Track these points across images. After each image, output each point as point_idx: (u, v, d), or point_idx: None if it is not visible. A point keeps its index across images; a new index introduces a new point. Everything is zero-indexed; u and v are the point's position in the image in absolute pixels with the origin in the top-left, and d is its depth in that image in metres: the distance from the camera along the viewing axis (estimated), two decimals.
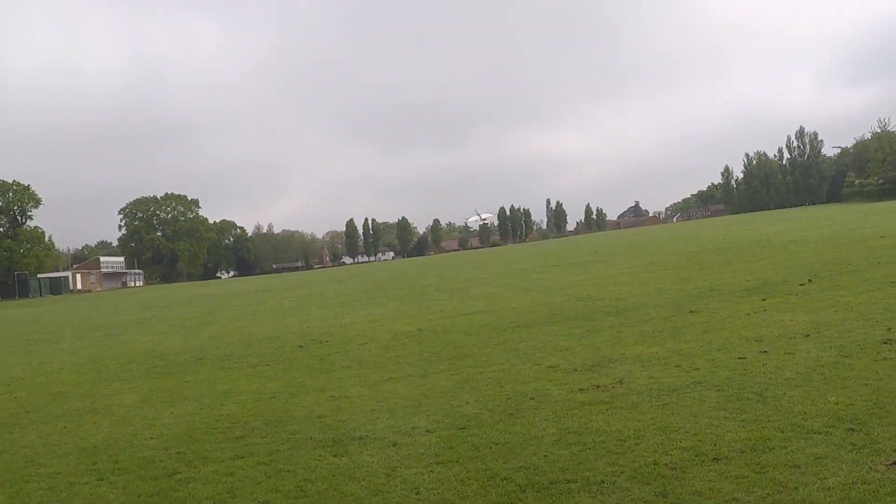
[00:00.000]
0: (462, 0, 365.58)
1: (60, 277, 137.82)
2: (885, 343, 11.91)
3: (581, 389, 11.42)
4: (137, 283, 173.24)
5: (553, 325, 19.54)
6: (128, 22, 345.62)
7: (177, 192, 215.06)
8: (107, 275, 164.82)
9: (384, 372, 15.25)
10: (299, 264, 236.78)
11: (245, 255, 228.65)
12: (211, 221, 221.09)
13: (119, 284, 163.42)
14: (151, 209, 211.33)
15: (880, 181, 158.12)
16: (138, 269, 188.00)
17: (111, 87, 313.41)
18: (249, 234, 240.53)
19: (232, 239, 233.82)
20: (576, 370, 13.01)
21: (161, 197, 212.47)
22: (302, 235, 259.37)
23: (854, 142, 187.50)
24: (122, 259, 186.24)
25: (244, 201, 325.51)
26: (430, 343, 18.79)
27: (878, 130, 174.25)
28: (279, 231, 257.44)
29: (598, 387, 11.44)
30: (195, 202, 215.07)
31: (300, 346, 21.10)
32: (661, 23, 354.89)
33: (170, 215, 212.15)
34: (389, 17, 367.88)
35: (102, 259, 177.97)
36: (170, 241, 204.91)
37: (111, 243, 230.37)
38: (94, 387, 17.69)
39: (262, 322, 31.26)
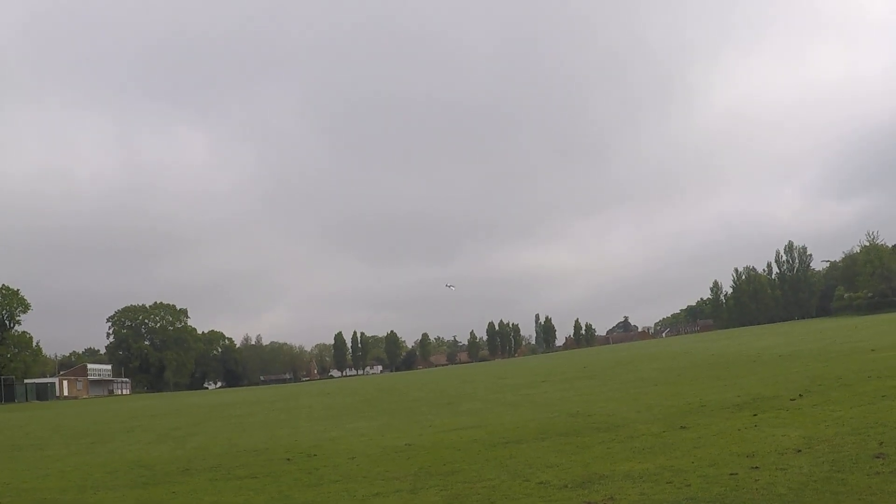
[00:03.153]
0: (451, 117, 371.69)
1: (47, 383, 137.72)
2: (878, 457, 11.97)
3: None
4: (124, 392, 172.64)
5: (543, 441, 19.45)
6: (118, 130, 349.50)
7: (165, 302, 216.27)
8: (94, 382, 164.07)
9: (373, 487, 15.13)
10: (287, 376, 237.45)
11: (233, 366, 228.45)
12: (199, 332, 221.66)
13: (106, 392, 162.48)
14: (140, 318, 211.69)
15: (870, 294, 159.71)
16: (125, 377, 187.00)
17: (102, 192, 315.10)
18: (237, 346, 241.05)
19: (220, 350, 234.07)
20: (566, 486, 12.95)
21: (150, 306, 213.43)
22: (290, 347, 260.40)
23: (843, 255, 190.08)
24: (109, 367, 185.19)
25: (232, 312, 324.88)
26: (419, 458, 18.64)
27: (867, 244, 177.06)
28: (267, 343, 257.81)
29: (588, 503, 11.40)
30: (184, 312, 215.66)
31: (288, 459, 20.95)
32: (652, 141, 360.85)
33: (158, 324, 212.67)
34: (377, 132, 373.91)
35: (90, 366, 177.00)
36: (158, 350, 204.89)
37: (99, 350, 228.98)
38: (80, 494, 17.51)
39: (249, 434, 31.13)
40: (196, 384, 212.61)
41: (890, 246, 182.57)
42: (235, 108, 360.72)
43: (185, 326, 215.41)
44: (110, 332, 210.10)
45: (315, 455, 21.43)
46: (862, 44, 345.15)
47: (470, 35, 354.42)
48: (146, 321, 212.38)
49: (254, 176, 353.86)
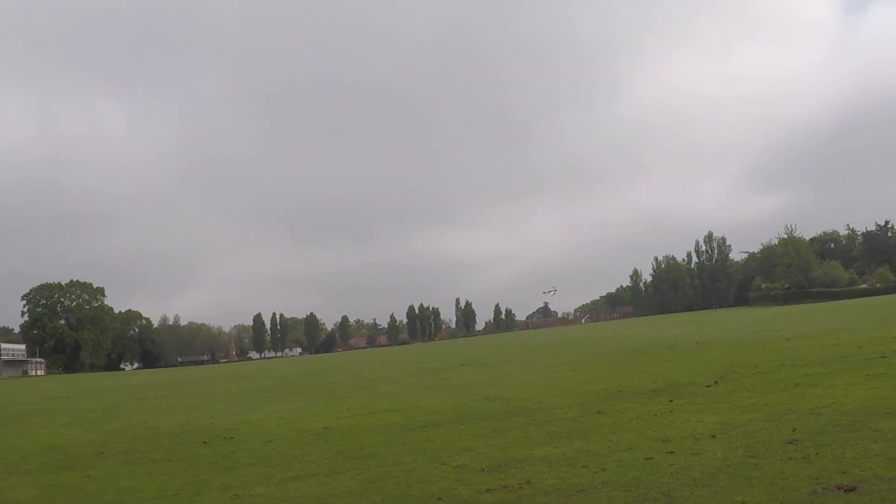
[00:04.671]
0: (377, 100, 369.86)
1: None
2: (790, 443, 12.25)
3: (488, 490, 11.44)
4: (39, 373, 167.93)
5: (461, 424, 19.55)
6: (34, 101, 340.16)
7: (82, 280, 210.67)
8: (7, 362, 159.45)
9: (289, 470, 15.10)
10: (205, 358, 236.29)
11: (150, 346, 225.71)
12: (116, 311, 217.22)
13: (20, 373, 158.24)
14: (55, 296, 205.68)
15: (786, 285, 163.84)
16: (40, 357, 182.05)
17: (15, 166, 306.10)
18: (155, 326, 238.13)
19: (137, 330, 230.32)
20: (483, 470, 13.02)
21: (66, 284, 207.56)
22: (209, 328, 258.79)
23: (762, 247, 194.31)
24: (23, 346, 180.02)
25: (150, 292, 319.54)
26: (337, 442, 18.68)
27: (785, 236, 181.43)
28: (185, 323, 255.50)
29: (505, 487, 11.48)
30: (101, 291, 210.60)
31: (204, 443, 20.84)
32: (575, 129, 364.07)
33: (74, 303, 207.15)
34: (299, 114, 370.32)
35: (3, 346, 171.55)
36: (73, 329, 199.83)
37: (13, 330, 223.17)
38: None
39: (166, 416, 30.88)
40: (112, 365, 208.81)
41: (807, 239, 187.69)
42: (161, 84, 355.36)
43: (102, 306, 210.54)
44: (25, 310, 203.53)
45: (232, 438, 21.33)
46: (792, 44, 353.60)
47: (398, 20, 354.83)
48: (62, 300, 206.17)
49: (176, 153, 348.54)
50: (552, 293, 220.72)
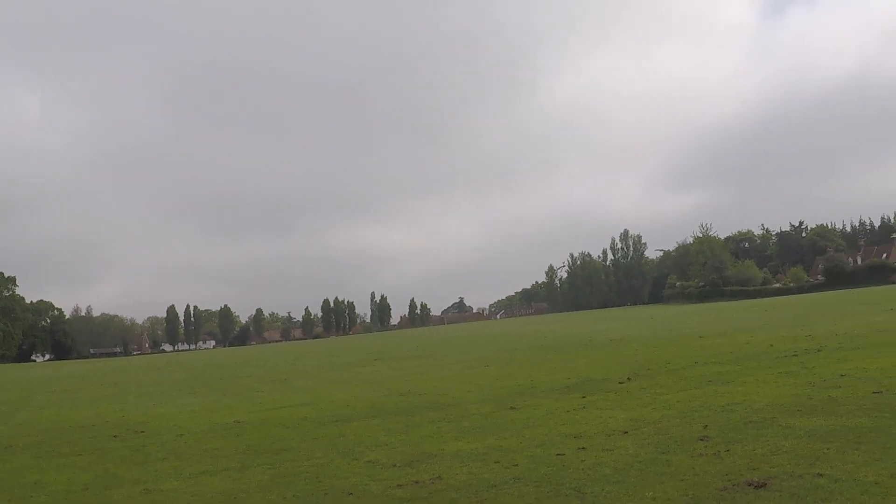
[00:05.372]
0: (294, 90, 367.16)
1: None
2: (702, 440, 12.39)
3: (399, 485, 11.36)
4: None
5: (373, 419, 19.50)
6: None
7: None
8: None
9: (200, 464, 14.91)
10: (118, 350, 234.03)
11: (62, 338, 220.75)
12: (27, 301, 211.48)
13: None
14: None
15: (701, 284, 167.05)
16: None
17: None
18: (67, 317, 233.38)
19: (48, 321, 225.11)
20: (395, 466, 12.94)
21: None
22: (121, 320, 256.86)
23: (677, 245, 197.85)
24: None
25: (62, 282, 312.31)
26: (248, 436, 18.54)
27: (700, 235, 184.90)
28: (98, 314, 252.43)
29: (416, 482, 11.41)
30: (12, 280, 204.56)
31: (115, 436, 20.55)
32: (493, 124, 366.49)
33: None
34: (216, 103, 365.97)
35: None
36: None
37: None
38: None
39: (76, 409, 30.53)
40: (23, 356, 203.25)
41: (722, 238, 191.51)
42: (75, 70, 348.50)
43: (13, 295, 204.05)
44: None
45: (142, 432, 21.11)
46: (710, 46, 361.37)
47: (320, 10, 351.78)
48: None
49: (90, 140, 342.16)
50: None
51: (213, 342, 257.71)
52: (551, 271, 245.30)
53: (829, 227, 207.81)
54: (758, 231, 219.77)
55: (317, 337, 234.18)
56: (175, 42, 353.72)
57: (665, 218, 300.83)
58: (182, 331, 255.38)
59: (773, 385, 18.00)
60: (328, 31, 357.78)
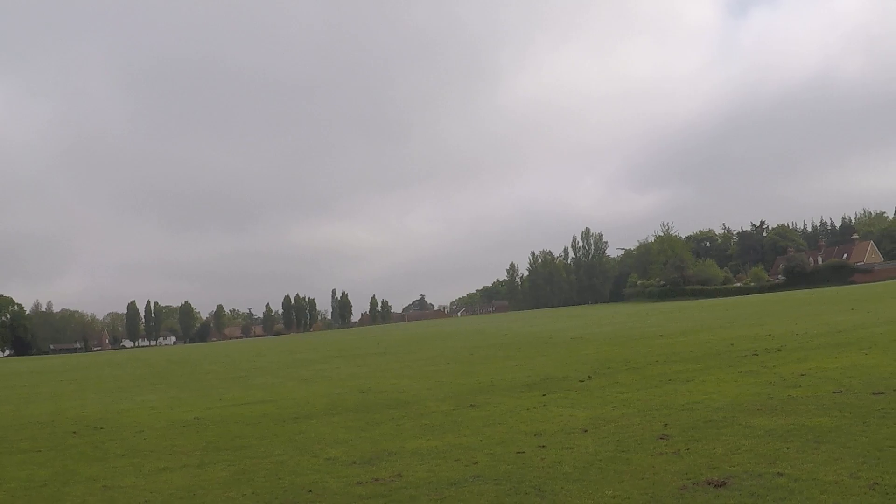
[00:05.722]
0: (258, 86, 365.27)
1: None
2: (662, 438, 12.47)
3: (359, 482, 11.36)
4: None
5: (333, 416, 19.51)
6: None
7: None
8: None
9: (160, 461, 14.87)
10: (78, 346, 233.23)
11: (22, 333, 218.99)
12: None
13: None
14: None
15: (661, 282, 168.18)
16: None
17: None
18: (27, 312, 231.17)
19: (8, 316, 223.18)
20: (354, 463, 12.93)
21: None
22: (82, 316, 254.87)
23: (638, 244, 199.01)
24: None
25: (22, 277, 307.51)
26: (208, 432, 18.51)
27: (662, 234, 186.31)
28: (59, 310, 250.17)
29: (376, 480, 11.40)
30: None
31: (74, 432, 20.44)
32: (455, 122, 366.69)
33: None
34: (179, 99, 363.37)
35: None
36: None
37: None
38: None
39: (36, 405, 30.43)
40: None
41: (683, 237, 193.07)
42: (37, 63, 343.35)
43: None
44: None
45: (102, 428, 21.01)
46: (673, 45, 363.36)
47: (283, 7, 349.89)
48: None
49: (50, 134, 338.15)
50: None
51: (173, 338, 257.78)
52: (513, 269, 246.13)
53: (791, 226, 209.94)
54: (719, 230, 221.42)
55: (277, 334, 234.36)
56: (136, 35, 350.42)
57: (627, 217, 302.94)
58: (143, 327, 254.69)
59: (733, 384, 18.15)
60: (291, 27, 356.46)
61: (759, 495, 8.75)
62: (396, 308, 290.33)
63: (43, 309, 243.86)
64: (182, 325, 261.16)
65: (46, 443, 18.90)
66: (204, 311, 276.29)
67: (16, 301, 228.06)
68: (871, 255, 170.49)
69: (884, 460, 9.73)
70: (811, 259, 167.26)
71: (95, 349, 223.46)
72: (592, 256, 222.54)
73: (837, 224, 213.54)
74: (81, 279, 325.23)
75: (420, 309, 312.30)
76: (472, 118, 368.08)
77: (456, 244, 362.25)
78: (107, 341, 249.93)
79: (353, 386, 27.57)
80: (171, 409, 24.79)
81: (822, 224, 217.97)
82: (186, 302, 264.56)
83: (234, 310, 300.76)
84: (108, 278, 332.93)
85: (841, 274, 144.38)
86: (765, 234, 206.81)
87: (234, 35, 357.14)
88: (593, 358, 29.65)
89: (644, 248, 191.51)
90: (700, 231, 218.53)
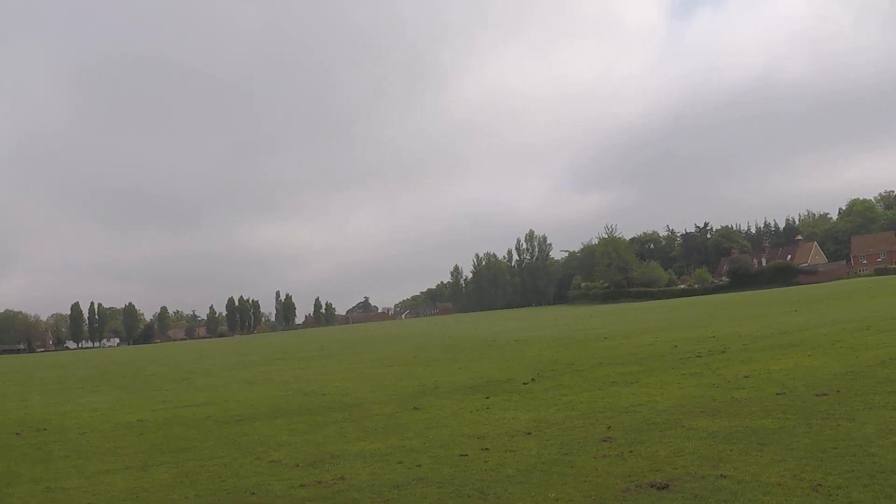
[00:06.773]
0: (202, 85, 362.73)
1: None
2: (605, 441, 12.58)
3: (302, 485, 11.36)
4: None
5: (276, 419, 19.47)
6: None
7: None
8: None
9: (103, 463, 14.78)
10: (21, 347, 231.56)
11: None
12: None
13: None
14: None
15: (606, 284, 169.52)
16: None
17: None
18: None
19: None
20: (297, 465, 12.92)
21: None
22: (25, 316, 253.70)
23: (582, 246, 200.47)
24: None
25: None
26: (151, 434, 18.42)
27: (606, 236, 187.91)
28: (1, 311, 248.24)
29: (319, 482, 11.41)
30: None
31: (17, 434, 20.30)
32: (399, 123, 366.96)
33: None
34: (120, 96, 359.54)
35: None
36: None
37: None
38: None
39: None
40: None
41: (627, 239, 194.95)
42: None
43: None
44: None
45: (45, 429, 20.87)
46: (616, 47, 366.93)
47: (223, 6, 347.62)
48: None
49: None
50: None
51: (117, 340, 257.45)
52: (457, 271, 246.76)
53: (734, 228, 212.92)
54: (663, 232, 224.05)
55: (221, 336, 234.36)
56: (78, 34, 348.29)
57: (571, 218, 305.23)
58: (86, 328, 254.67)
59: (676, 386, 18.34)
60: (231, 27, 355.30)
61: (702, 497, 8.86)
62: (340, 310, 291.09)
63: None
64: (126, 326, 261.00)
65: None
66: (148, 312, 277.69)
67: None
68: (814, 256, 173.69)
69: (827, 461, 9.89)
70: (755, 260, 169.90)
71: (39, 350, 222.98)
72: (536, 258, 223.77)
73: (781, 225, 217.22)
74: (24, 279, 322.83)
75: (364, 311, 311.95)
76: (416, 119, 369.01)
77: (400, 246, 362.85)
78: (50, 342, 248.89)
79: (297, 388, 27.48)
80: (114, 411, 24.60)
81: (766, 225, 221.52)
82: (130, 303, 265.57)
83: (178, 311, 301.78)
84: (51, 279, 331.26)
85: (785, 275, 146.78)
86: (709, 235, 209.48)
87: (177, 34, 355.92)
88: (537, 360, 29.78)
89: (588, 251, 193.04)
90: (644, 233, 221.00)
